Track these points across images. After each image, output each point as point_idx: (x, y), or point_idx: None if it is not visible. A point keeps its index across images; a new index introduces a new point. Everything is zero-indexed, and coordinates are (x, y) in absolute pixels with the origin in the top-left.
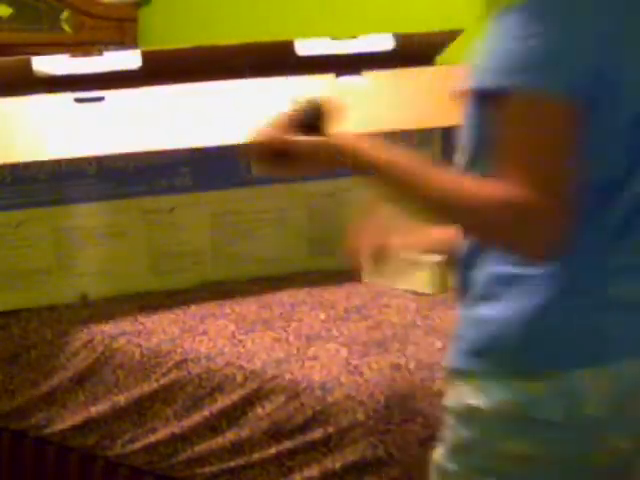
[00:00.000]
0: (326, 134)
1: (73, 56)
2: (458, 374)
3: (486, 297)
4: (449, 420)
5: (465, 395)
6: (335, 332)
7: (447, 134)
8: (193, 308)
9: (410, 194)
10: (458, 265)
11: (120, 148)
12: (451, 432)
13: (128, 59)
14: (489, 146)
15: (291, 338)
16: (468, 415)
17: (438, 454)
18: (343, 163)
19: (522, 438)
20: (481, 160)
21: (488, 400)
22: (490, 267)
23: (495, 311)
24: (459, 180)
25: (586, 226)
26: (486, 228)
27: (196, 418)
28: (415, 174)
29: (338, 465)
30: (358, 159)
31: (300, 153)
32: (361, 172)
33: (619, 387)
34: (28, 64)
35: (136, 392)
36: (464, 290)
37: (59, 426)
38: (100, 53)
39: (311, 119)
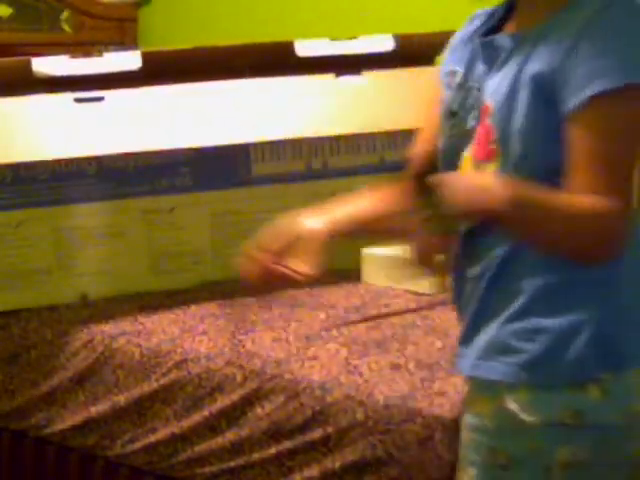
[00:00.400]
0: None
1: (73, 57)
2: (501, 388)
3: (538, 308)
4: (481, 439)
5: (511, 409)
6: (335, 332)
7: None
8: (193, 308)
9: (538, 223)
10: (479, 278)
11: (120, 148)
12: (487, 451)
13: (128, 60)
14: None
15: (291, 338)
16: (516, 430)
17: (468, 478)
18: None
19: (578, 445)
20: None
21: (541, 413)
22: (538, 277)
23: (552, 322)
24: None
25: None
26: (577, 239)
27: (196, 418)
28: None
29: (338, 465)
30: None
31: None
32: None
33: None
34: (28, 65)
35: (136, 392)
36: (492, 303)
37: (59, 426)
38: (100, 54)
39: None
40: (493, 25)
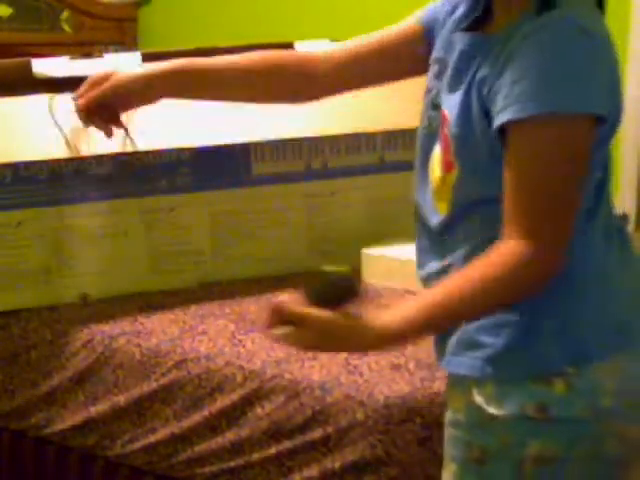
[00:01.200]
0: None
1: (73, 58)
2: (470, 383)
3: None
4: (458, 434)
5: (480, 404)
6: None
7: None
8: (193, 308)
9: (460, 319)
10: (444, 274)
11: (120, 148)
12: (463, 446)
13: (128, 61)
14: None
15: None
16: (486, 424)
17: (450, 473)
18: (381, 347)
19: (546, 439)
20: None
21: (506, 406)
22: None
23: (512, 316)
24: (475, 279)
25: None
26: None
27: (196, 418)
28: (450, 308)
29: (337, 465)
30: (400, 340)
31: (334, 334)
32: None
33: (630, 375)
34: (28, 66)
35: (136, 392)
36: None
37: (59, 426)
38: (100, 55)
39: (336, 295)
40: (472, 17)
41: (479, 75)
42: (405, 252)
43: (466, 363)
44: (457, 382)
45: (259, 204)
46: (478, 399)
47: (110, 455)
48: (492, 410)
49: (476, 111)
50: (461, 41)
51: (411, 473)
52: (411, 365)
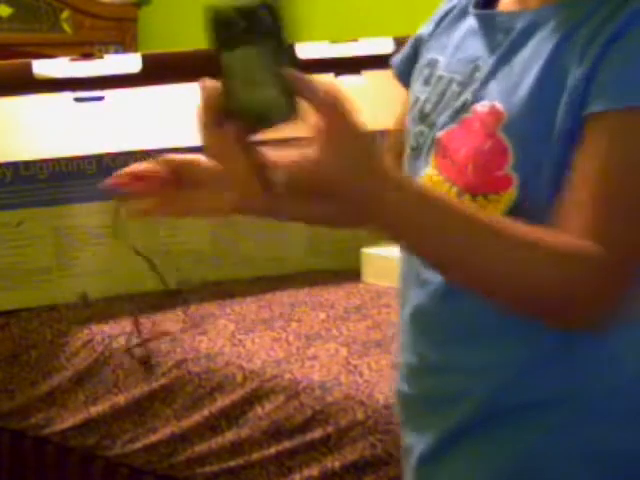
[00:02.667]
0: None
1: (73, 60)
2: None
3: None
4: None
5: None
6: (335, 332)
7: None
8: (193, 308)
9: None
10: None
11: (120, 147)
12: None
13: (128, 62)
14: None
15: (291, 338)
16: None
17: None
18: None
19: None
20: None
21: None
22: None
23: None
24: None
25: None
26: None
27: (196, 418)
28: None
29: (338, 465)
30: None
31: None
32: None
33: None
34: (29, 67)
35: (136, 392)
36: None
37: (59, 426)
38: (100, 56)
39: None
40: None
41: (566, 62)
42: None
43: None
44: None
45: None
46: None
47: (110, 455)
48: None
49: (566, 108)
50: (508, 18)
51: None
52: None
